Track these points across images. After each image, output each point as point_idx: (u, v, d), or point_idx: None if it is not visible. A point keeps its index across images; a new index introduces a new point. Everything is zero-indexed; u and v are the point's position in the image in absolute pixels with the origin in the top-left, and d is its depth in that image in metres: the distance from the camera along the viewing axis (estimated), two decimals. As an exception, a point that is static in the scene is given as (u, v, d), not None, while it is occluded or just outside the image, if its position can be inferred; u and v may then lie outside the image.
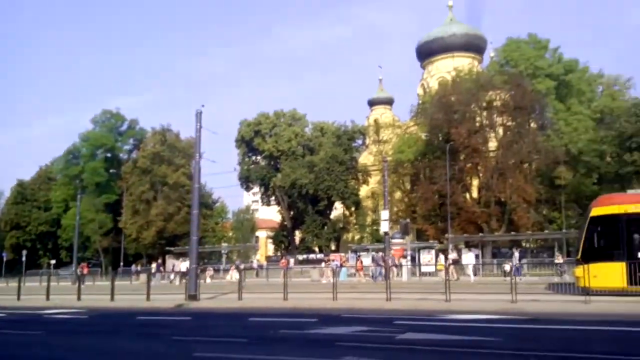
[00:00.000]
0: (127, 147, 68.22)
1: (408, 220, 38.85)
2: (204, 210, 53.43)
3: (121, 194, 59.77)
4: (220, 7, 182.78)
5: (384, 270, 30.80)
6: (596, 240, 18.06)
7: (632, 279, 16.64)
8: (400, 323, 13.26)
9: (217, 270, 42.74)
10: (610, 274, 16.89)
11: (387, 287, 18.73)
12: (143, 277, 36.50)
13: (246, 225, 68.33)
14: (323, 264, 38.45)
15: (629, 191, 22.05)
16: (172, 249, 47.75)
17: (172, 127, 61.52)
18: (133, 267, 48.60)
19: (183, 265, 36.16)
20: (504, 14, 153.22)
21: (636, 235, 17.26)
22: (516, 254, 33.09)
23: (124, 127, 67.19)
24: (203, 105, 23.65)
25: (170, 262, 44.62)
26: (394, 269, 31.48)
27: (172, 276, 37.22)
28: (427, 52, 75.08)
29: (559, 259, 32.33)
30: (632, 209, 17.58)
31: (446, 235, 39.12)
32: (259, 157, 65.19)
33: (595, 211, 18.27)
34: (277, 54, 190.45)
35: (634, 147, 40.88)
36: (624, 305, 14.96)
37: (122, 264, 52.38)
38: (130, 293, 24.42)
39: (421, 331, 12.08)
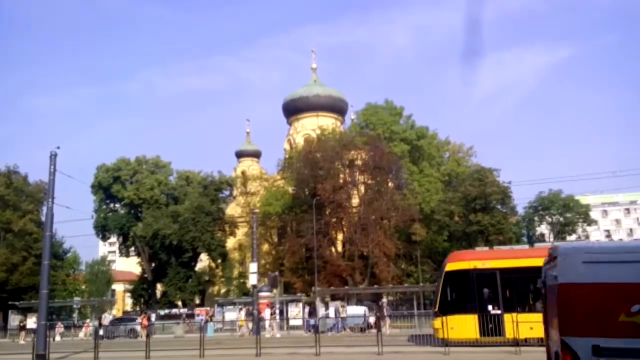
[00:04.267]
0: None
1: (277, 273, 38.85)
2: (54, 261, 48.77)
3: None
4: (79, 43, 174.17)
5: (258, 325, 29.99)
6: (452, 294, 19.40)
7: (483, 330, 18.08)
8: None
9: (68, 327, 39.00)
10: (465, 325, 18.12)
11: (257, 342, 18.54)
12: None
13: (101, 278, 63.33)
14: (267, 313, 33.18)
15: (477, 248, 24.17)
16: (16, 303, 42.83)
17: (20, 169, 56.27)
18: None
19: (30, 321, 32.66)
20: (365, 78, 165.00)
21: (485, 290, 18.88)
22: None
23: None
24: (58, 147, 21.87)
25: (13, 317, 40.02)
26: None
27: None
28: (292, 110, 77.31)
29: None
30: (480, 265, 19.16)
31: (313, 288, 39.70)
32: (117, 205, 61.82)
33: (450, 266, 19.54)
34: (141, 97, 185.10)
35: (478, 208, 45.33)
36: (479, 356, 16.24)
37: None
38: (-38, 356, 21.49)
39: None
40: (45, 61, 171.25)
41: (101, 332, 34.20)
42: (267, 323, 30.82)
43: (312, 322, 31.01)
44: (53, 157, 21.91)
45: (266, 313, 32.14)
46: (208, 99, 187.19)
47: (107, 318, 37.07)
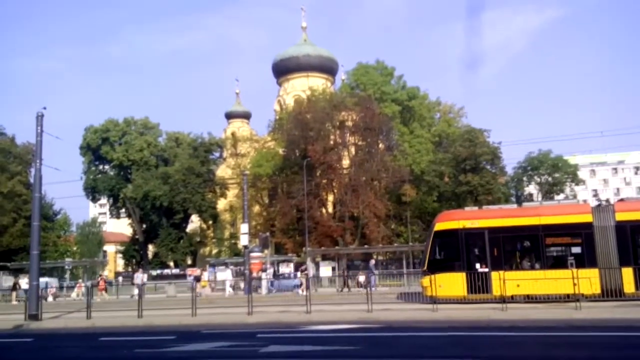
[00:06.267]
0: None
1: (267, 234, 39.16)
2: (44, 222, 48.84)
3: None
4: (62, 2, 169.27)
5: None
6: (440, 253, 19.64)
7: (471, 288, 18.40)
8: (263, 336, 13.37)
9: (60, 288, 39.34)
10: (453, 283, 18.42)
11: (249, 300, 18.75)
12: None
13: (92, 239, 63.71)
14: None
15: (466, 208, 24.36)
16: (7, 264, 43.11)
17: (7, 130, 55.70)
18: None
19: (23, 282, 32.81)
20: (355, 38, 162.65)
21: (473, 249, 19.18)
22: (372, 262, 33.93)
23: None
24: (45, 108, 21.76)
25: (4, 278, 40.29)
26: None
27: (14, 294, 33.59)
28: (282, 70, 76.34)
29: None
30: (468, 224, 19.35)
31: (304, 248, 40.11)
32: (106, 167, 61.64)
33: (439, 226, 19.74)
34: (125, 58, 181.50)
35: (468, 169, 45.52)
36: (466, 312, 16.55)
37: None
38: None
39: (285, 343, 12.31)
40: (26, 22, 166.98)
41: (136, 291, 33.39)
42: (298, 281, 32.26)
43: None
44: (40, 117, 21.67)
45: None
46: (195, 59, 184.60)
47: (139, 277, 35.80)
